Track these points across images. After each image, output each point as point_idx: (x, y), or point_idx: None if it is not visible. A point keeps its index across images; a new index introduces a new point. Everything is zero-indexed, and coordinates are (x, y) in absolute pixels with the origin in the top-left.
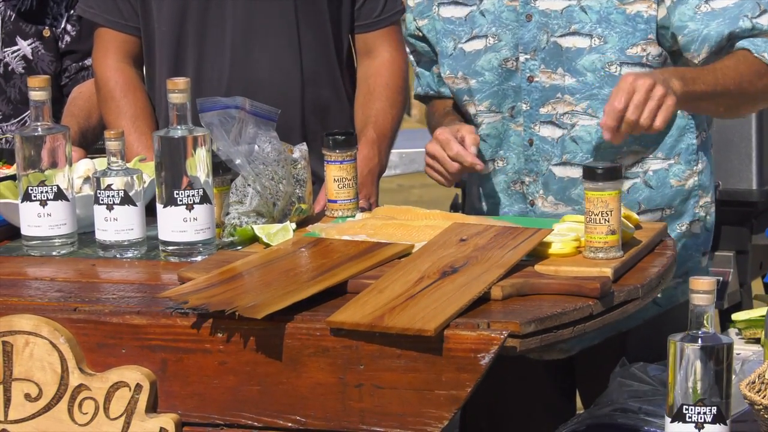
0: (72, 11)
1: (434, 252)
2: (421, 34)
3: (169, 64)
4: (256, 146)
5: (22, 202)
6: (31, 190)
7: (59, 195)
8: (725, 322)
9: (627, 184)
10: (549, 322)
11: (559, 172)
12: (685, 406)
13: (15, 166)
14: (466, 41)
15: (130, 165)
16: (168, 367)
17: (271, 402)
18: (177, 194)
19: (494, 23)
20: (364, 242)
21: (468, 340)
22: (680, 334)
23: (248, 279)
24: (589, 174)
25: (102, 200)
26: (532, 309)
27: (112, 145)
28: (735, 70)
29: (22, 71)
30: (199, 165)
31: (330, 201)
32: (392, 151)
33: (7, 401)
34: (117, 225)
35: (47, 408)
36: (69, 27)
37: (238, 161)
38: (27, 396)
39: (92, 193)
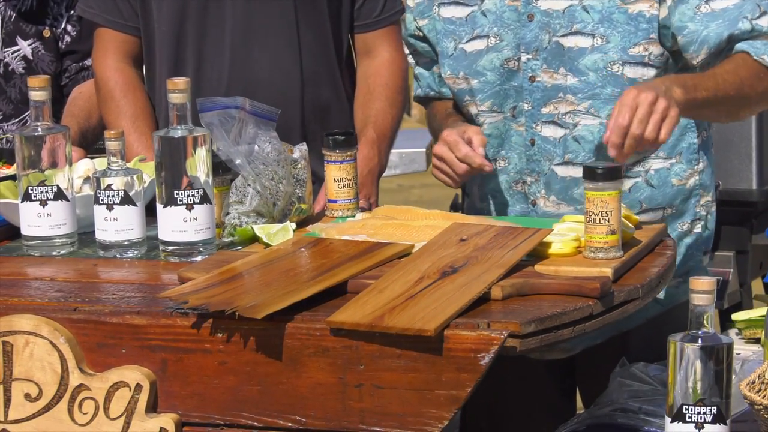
0: (72, 11)
1: (434, 252)
2: (421, 34)
3: (169, 64)
4: (256, 146)
5: (22, 202)
6: (31, 190)
7: (59, 195)
8: (725, 322)
9: (628, 183)
10: (549, 322)
11: (562, 171)
12: (685, 406)
13: (15, 166)
14: (467, 41)
15: (130, 165)
16: (168, 367)
17: (271, 402)
18: (177, 194)
19: (496, 23)
20: (364, 242)
21: (468, 340)
22: (680, 334)
23: (248, 279)
24: (589, 174)
25: (102, 200)
26: (532, 309)
27: (112, 145)
28: (735, 75)
29: (23, 71)
30: (199, 165)
31: (330, 201)
32: (392, 151)
33: (7, 401)
34: (117, 225)
35: (47, 408)
36: (69, 27)
37: (238, 161)
38: (27, 396)
39: (92, 193)
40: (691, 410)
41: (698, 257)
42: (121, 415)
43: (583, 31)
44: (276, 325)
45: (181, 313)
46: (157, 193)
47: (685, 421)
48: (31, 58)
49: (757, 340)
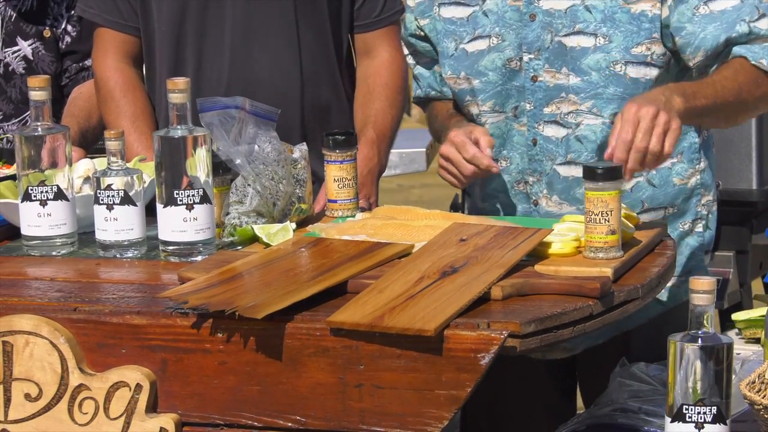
0: (73, 11)
1: (434, 252)
2: (423, 33)
3: (169, 64)
4: (256, 146)
5: (22, 202)
6: (31, 190)
7: (59, 195)
8: (725, 322)
9: (630, 183)
10: (549, 322)
11: (564, 171)
12: (685, 406)
13: (15, 166)
14: (468, 41)
15: (130, 165)
16: (168, 367)
17: (271, 402)
18: (177, 194)
19: (497, 23)
20: (364, 242)
21: (468, 340)
22: (680, 334)
23: (248, 279)
24: (589, 174)
25: (102, 200)
26: (532, 309)
27: (112, 145)
28: (734, 81)
29: (23, 71)
30: (199, 165)
31: (330, 201)
32: (392, 151)
33: (7, 401)
34: (117, 225)
35: (47, 408)
36: (69, 27)
37: (238, 161)
38: (27, 396)
39: (92, 193)
40: (691, 410)
41: (700, 257)
42: (121, 415)
43: (585, 31)
44: (276, 325)
45: (181, 313)
46: (157, 193)
47: (685, 421)
48: (32, 58)
49: (757, 340)
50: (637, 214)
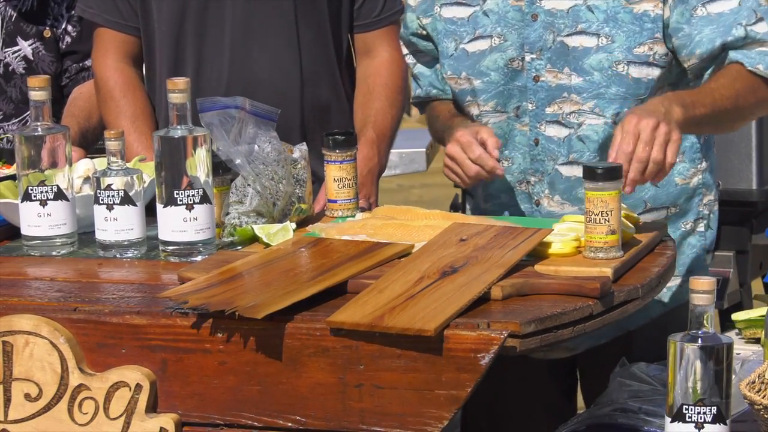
0: (73, 12)
1: (434, 252)
2: (425, 32)
3: (169, 64)
4: (256, 146)
5: (22, 202)
6: (31, 190)
7: (59, 195)
8: (725, 322)
9: None
10: (549, 322)
11: (566, 171)
12: (685, 406)
13: (15, 166)
14: (468, 41)
15: (130, 165)
16: (168, 367)
17: (271, 402)
18: (177, 194)
19: (499, 23)
20: (364, 242)
21: (468, 340)
22: (680, 334)
23: (248, 279)
24: (589, 174)
25: (102, 200)
26: (532, 309)
27: (112, 145)
28: (731, 89)
29: (23, 71)
30: (199, 165)
31: (330, 201)
32: (392, 151)
33: (7, 401)
34: (117, 225)
35: (47, 408)
36: (70, 27)
37: (238, 161)
38: (27, 396)
39: (92, 193)
40: (691, 410)
41: (702, 256)
42: (121, 415)
43: (587, 31)
44: (276, 325)
45: (181, 313)
46: (157, 193)
47: (685, 421)
48: (32, 58)
49: (757, 340)
50: (640, 214)
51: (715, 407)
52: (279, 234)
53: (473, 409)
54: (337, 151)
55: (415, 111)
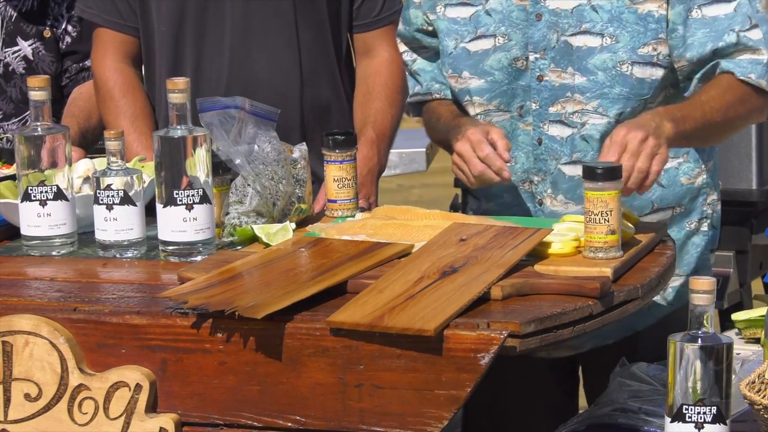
0: (73, 12)
1: (434, 252)
2: (431, 28)
3: (168, 64)
4: (255, 146)
5: (21, 202)
6: (31, 190)
7: (59, 195)
8: (725, 322)
9: None
10: (549, 322)
11: (569, 171)
12: (685, 406)
13: (15, 166)
14: (470, 41)
15: (129, 165)
16: (168, 367)
17: (271, 402)
18: (177, 194)
19: (503, 22)
20: (364, 242)
21: (468, 340)
22: (680, 334)
23: (248, 279)
24: (589, 174)
25: (102, 200)
26: (532, 309)
27: (111, 145)
28: (721, 101)
29: (23, 71)
30: (198, 165)
31: (330, 201)
32: (392, 151)
33: (7, 401)
34: (117, 225)
35: (47, 408)
36: (70, 28)
37: (237, 161)
38: (27, 396)
39: (92, 193)
40: (691, 410)
41: (706, 256)
42: (120, 415)
43: (591, 31)
44: (276, 325)
45: (181, 313)
46: (156, 193)
47: (685, 421)
48: (32, 58)
49: (757, 340)
50: (647, 214)
51: (715, 407)
52: (279, 234)
53: (474, 408)
54: (337, 151)
55: None
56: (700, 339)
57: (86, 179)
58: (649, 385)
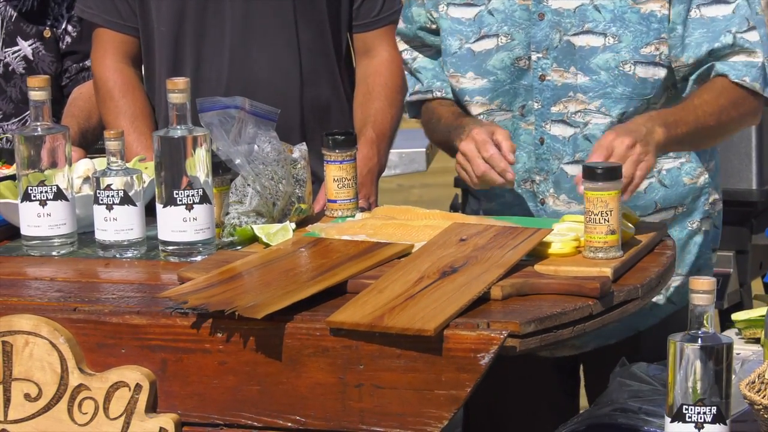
0: (73, 12)
1: (434, 252)
2: (435, 26)
3: (168, 65)
4: (255, 146)
5: (21, 202)
6: (31, 190)
7: (59, 195)
8: (725, 322)
9: (644, 185)
10: (549, 322)
11: (571, 170)
12: (684, 406)
13: (15, 166)
14: (474, 41)
15: (129, 165)
16: (168, 367)
17: (270, 402)
18: (177, 194)
19: (506, 22)
20: (364, 242)
21: (468, 340)
22: (680, 334)
23: (248, 279)
24: (589, 174)
25: (102, 200)
26: (532, 309)
27: (111, 145)
28: (715, 105)
29: (23, 71)
30: (198, 165)
31: (330, 201)
32: (392, 150)
33: (7, 401)
34: (117, 225)
35: (47, 408)
36: (70, 28)
37: (237, 161)
38: (27, 396)
39: (92, 193)
40: (691, 410)
41: (707, 255)
42: (120, 415)
43: (594, 30)
44: (276, 325)
45: (181, 313)
46: (156, 193)
47: (685, 421)
48: (32, 58)
49: (757, 340)
50: (650, 214)
51: (715, 407)
52: (279, 234)
53: (475, 408)
54: (337, 151)
55: None
56: (700, 339)
57: (86, 179)
58: (649, 385)
